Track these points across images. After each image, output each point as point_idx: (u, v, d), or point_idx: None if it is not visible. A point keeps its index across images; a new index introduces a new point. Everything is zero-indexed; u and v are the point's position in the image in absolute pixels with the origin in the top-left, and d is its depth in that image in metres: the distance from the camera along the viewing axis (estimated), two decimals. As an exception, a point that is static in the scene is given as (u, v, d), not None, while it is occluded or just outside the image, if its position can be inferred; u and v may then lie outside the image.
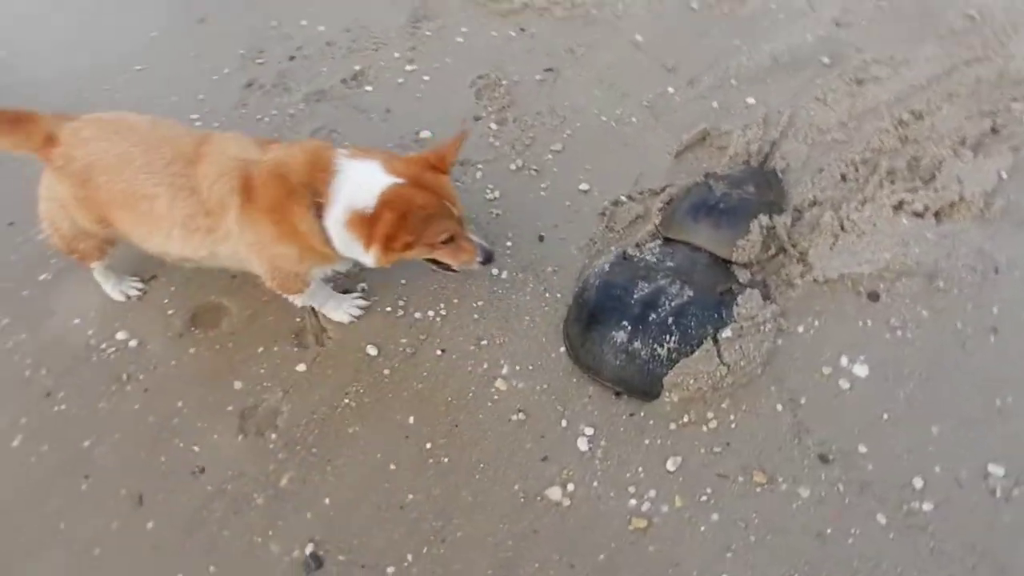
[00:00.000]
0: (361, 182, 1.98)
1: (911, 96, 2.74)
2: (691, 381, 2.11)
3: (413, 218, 1.95)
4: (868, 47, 2.93)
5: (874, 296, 2.27)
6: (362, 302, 2.48)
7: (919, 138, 2.63)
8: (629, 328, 2.17)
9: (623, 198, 2.63)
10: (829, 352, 2.19)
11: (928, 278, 2.27)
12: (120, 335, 2.48)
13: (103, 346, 2.48)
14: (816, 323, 2.25)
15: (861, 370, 2.14)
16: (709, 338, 2.14)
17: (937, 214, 2.42)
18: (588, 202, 2.65)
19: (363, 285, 2.52)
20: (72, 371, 2.42)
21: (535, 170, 2.77)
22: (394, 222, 1.95)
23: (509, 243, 2.58)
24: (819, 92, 2.82)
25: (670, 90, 2.94)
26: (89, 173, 2.13)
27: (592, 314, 2.24)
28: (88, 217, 2.22)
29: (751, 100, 2.84)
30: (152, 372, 2.41)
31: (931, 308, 2.22)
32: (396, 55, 3.24)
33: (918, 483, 1.94)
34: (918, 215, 2.41)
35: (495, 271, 2.50)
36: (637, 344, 2.14)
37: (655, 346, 2.13)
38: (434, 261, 2.18)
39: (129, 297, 2.56)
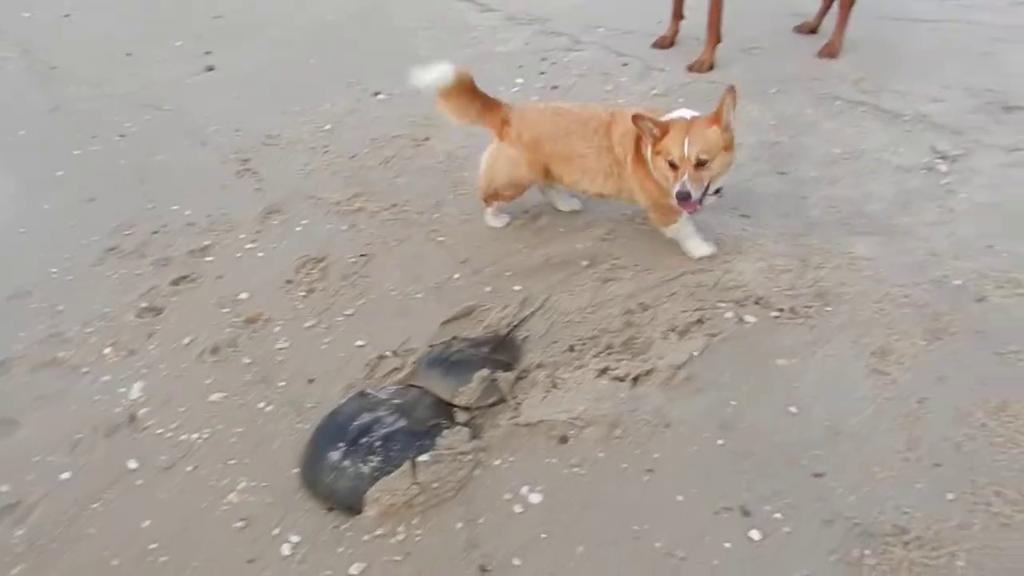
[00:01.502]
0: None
1: (643, 293, 3.34)
2: (387, 497, 2.47)
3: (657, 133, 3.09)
4: (622, 256, 3.58)
5: (564, 439, 2.70)
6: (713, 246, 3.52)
7: (641, 323, 3.18)
8: (343, 449, 2.56)
9: (388, 353, 3.11)
10: (515, 482, 2.57)
11: (610, 427, 2.71)
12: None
13: None
14: (512, 458, 2.66)
15: (535, 498, 2.52)
16: (408, 461, 2.52)
17: (635, 380, 2.92)
18: (360, 355, 3.13)
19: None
20: None
21: (325, 328, 3.27)
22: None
23: (282, 383, 3.01)
24: (572, 286, 3.40)
25: (455, 276, 3.54)
26: (538, 143, 3.41)
27: (317, 437, 2.64)
28: (533, 171, 3.51)
29: (517, 287, 3.43)
30: None
31: (607, 451, 2.65)
32: (242, 236, 3.86)
33: (553, 589, 2.26)
34: (619, 379, 2.91)
35: (261, 404, 2.91)
36: (347, 463, 2.53)
37: (360, 465, 2.51)
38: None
39: (506, 225, 3.81)
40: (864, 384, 2.90)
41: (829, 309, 3.24)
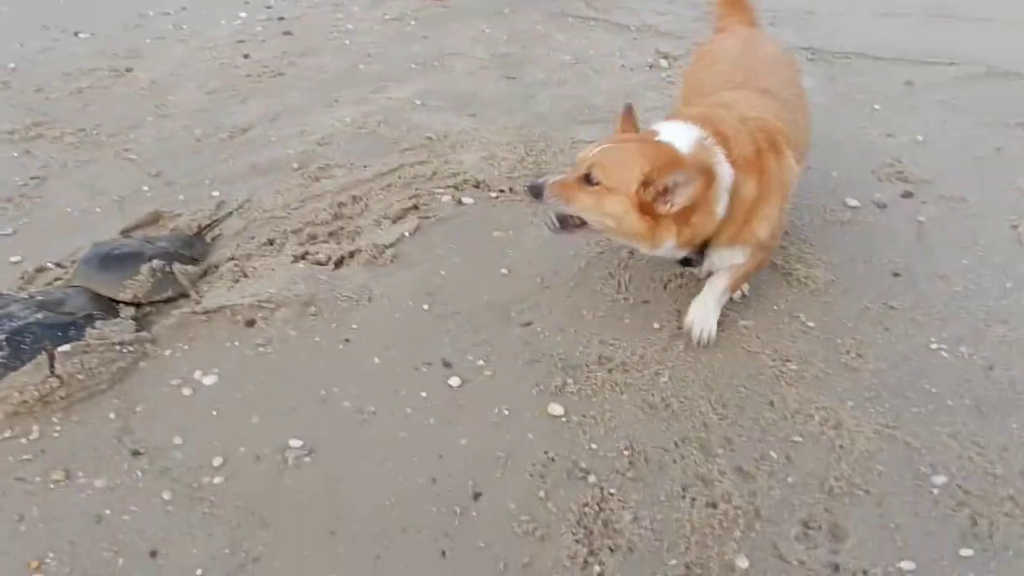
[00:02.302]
0: None
1: (356, 187, 3.08)
2: (16, 395, 2.04)
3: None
4: (337, 158, 3.29)
5: (251, 323, 2.37)
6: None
7: (352, 215, 2.93)
8: (-43, 351, 2.08)
9: (50, 264, 2.65)
10: (186, 368, 2.22)
11: (304, 306, 2.42)
12: None
13: None
14: (186, 347, 2.30)
15: (209, 380, 2.18)
16: (45, 353, 2.09)
17: (338, 262, 2.64)
18: (14, 270, 2.66)
19: None
20: None
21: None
22: None
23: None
24: (278, 187, 3.08)
25: (144, 188, 3.11)
26: (701, 56, 2.73)
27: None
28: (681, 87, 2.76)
29: (216, 193, 3.06)
30: None
31: (299, 329, 2.35)
32: None
33: (217, 461, 1.94)
34: (319, 263, 2.62)
35: None
36: (-40, 364, 2.05)
37: (-23, 364, 2.05)
38: None
39: None
40: (578, 243, 2.80)
41: (549, 186, 3.12)
